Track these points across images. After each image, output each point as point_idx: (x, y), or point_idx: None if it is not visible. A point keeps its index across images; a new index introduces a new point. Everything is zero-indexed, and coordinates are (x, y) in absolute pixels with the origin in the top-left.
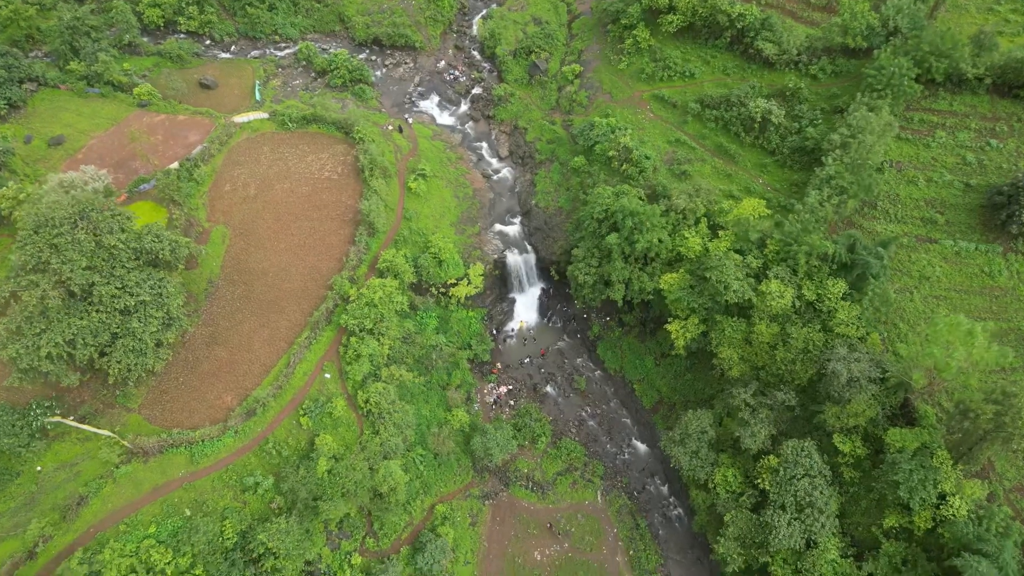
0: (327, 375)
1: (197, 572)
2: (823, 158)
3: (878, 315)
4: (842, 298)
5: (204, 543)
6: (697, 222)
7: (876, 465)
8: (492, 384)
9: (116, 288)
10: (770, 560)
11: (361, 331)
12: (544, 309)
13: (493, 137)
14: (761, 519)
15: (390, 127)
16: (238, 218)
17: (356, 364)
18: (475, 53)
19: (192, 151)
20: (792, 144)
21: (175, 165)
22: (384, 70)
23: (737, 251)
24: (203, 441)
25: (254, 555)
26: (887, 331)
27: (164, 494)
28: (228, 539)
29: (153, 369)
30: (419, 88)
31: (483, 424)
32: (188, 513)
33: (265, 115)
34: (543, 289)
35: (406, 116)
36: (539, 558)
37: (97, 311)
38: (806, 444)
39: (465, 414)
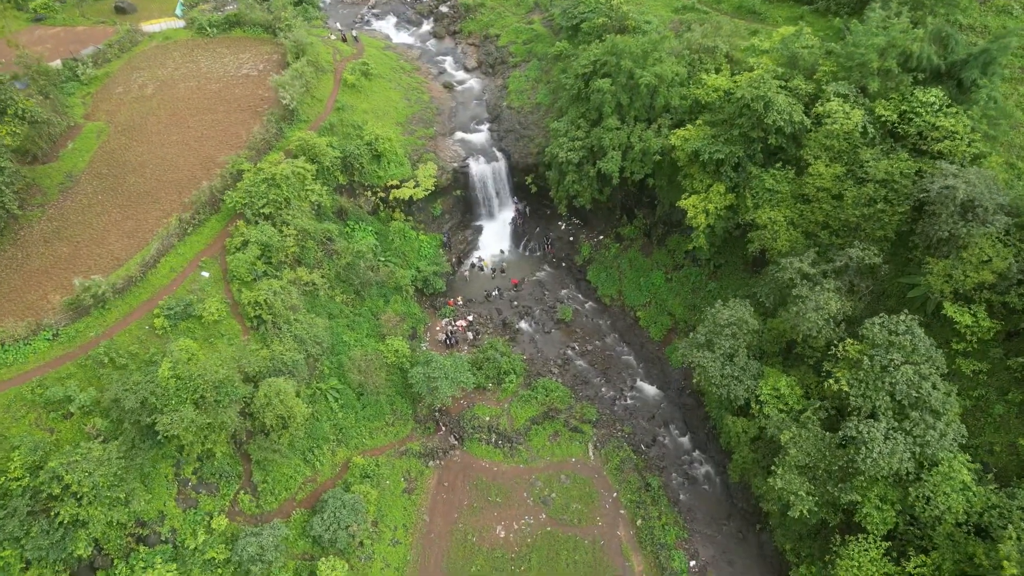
0: (205, 273)
1: None
2: None
3: (994, 131)
4: (938, 111)
5: None
6: (719, 70)
7: (1012, 352)
8: (447, 319)
9: None
10: (860, 500)
11: (255, 215)
12: (519, 236)
13: (459, 50)
14: (840, 436)
15: (332, 36)
16: (124, 116)
17: (242, 253)
18: None
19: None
20: None
21: (57, 63)
22: None
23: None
24: (2, 345)
25: (44, 497)
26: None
27: None
28: (14, 478)
29: None
30: (374, 10)
31: (429, 354)
32: None
33: (181, 24)
34: (518, 210)
35: (353, 31)
36: (503, 535)
37: None
38: (903, 317)
39: (403, 343)
